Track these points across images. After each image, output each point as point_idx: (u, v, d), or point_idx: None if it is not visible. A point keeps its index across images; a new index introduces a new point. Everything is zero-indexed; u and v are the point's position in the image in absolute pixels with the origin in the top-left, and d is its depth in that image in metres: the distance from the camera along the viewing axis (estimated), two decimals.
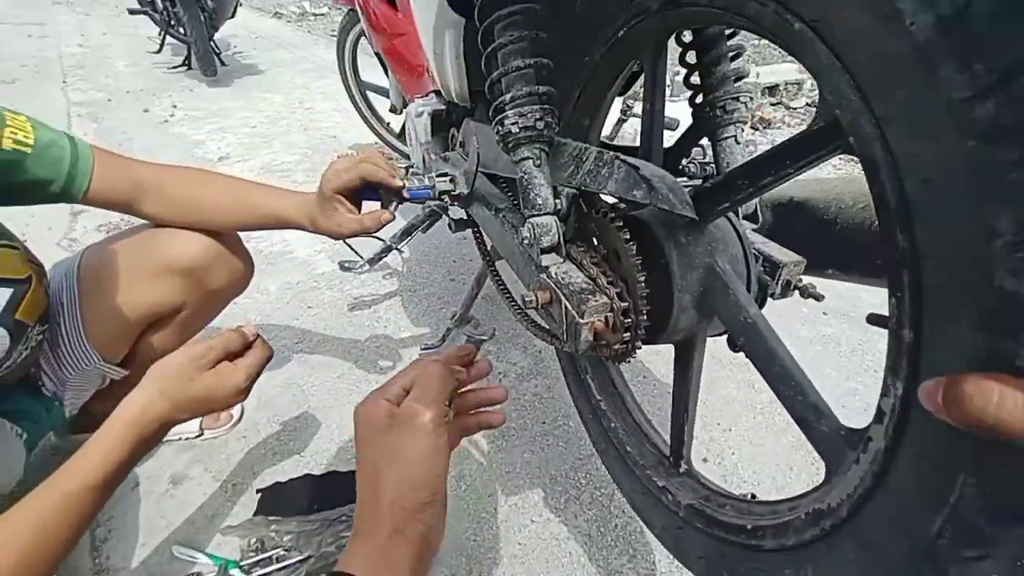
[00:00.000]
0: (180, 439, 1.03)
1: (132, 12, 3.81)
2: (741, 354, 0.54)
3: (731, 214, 0.58)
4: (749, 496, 0.58)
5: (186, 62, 3.62)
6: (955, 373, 0.27)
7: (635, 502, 0.71)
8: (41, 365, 0.78)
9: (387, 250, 1.32)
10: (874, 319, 0.37)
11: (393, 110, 1.81)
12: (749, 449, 1.09)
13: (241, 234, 0.90)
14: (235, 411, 1.08)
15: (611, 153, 0.53)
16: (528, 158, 0.57)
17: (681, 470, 0.65)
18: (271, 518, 0.88)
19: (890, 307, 0.34)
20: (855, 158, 0.36)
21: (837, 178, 0.65)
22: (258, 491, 0.94)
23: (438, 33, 0.71)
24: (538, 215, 0.57)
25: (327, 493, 0.94)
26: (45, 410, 0.80)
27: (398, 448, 0.44)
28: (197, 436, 1.04)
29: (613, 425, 0.76)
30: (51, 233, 1.68)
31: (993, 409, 0.24)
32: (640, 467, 0.70)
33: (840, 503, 0.40)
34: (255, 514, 0.90)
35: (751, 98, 0.66)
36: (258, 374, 0.66)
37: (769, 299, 0.61)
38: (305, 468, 1.00)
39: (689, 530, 0.60)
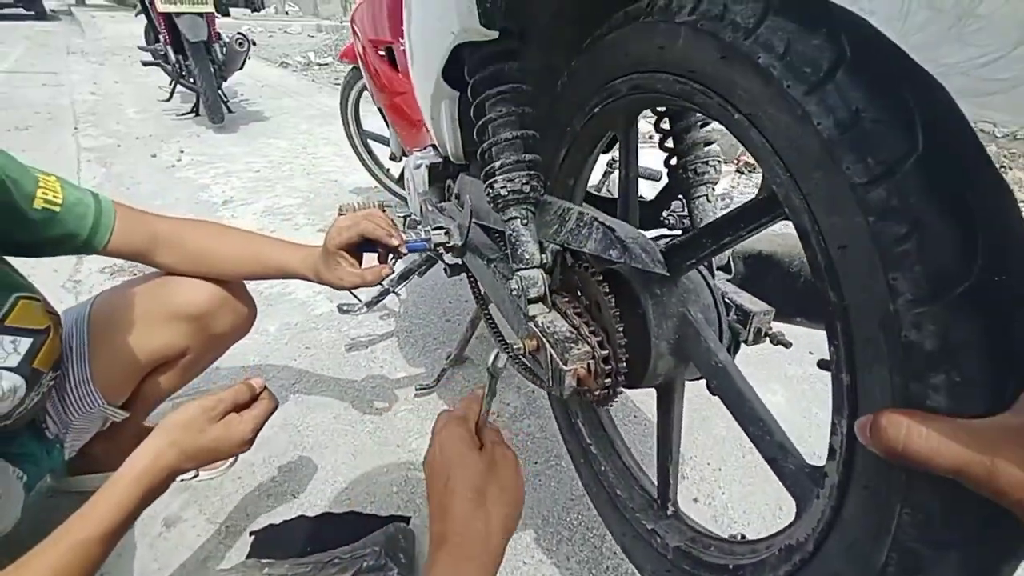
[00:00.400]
0: (176, 480, 1.04)
1: (145, 64, 3.99)
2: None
3: (702, 267, 0.64)
4: (739, 536, 0.60)
5: (194, 109, 3.77)
6: (880, 410, 0.31)
7: (625, 545, 0.73)
8: (47, 408, 0.81)
9: (384, 293, 1.37)
10: (822, 364, 0.41)
11: (393, 157, 1.90)
12: (739, 488, 1.11)
13: None
14: None
15: (591, 214, 0.58)
16: (516, 217, 0.62)
17: (668, 512, 0.68)
18: (264, 560, 0.89)
19: (830, 354, 0.39)
20: None
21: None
22: (251, 533, 0.95)
23: (435, 102, 0.78)
24: (525, 268, 0.62)
25: (321, 535, 0.94)
26: (46, 452, 0.82)
27: (503, 478, 0.50)
28: (193, 478, 1.05)
29: (603, 468, 0.79)
30: (56, 275, 1.73)
31: (903, 440, 0.28)
32: (630, 510, 0.72)
33: (807, 537, 0.43)
34: (248, 556, 0.90)
35: (720, 160, 0.73)
36: (263, 424, 0.70)
37: (745, 344, 0.66)
38: (300, 510, 1.00)
39: (677, 572, 0.62)
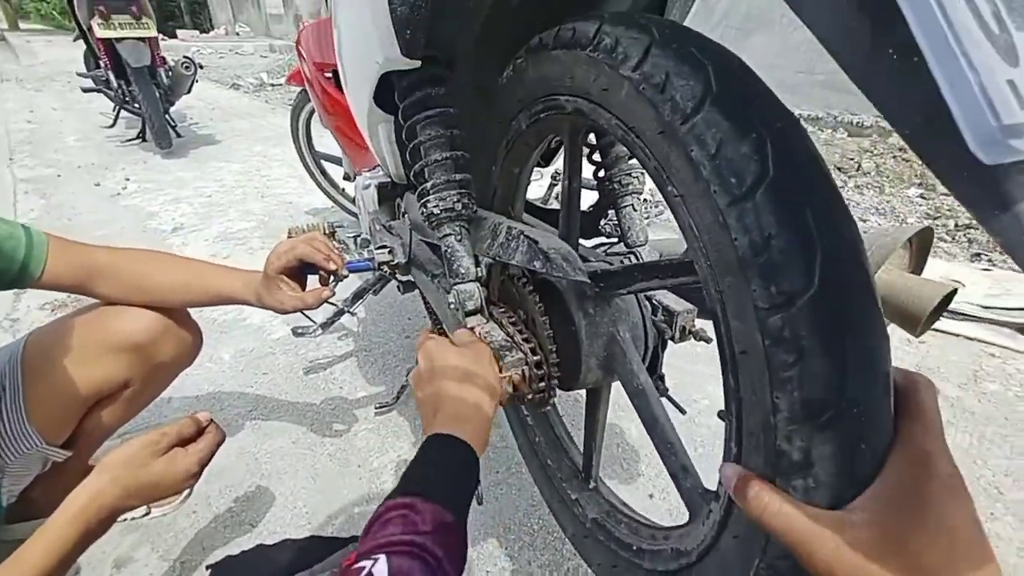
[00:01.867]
0: (126, 520, 1.01)
1: (86, 91, 3.85)
2: (682, 390, 0.60)
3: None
4: (653, 524, 0.64)
5: (140, 135, 3.66)
6: (752, 476, 0.36)
7: (553, 508, 0.78)
8: None
9: (339, 313, 1.37)
10: (721, 415, 0.45)
11: (347, 177, 1.90)
12: None
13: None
14: None
15: (518, 228, 0.62)
16: (450, 234, 0.65)
17: (591, 486, 0.72)
18: None
19: (727, 422, 0.42)
20: None
21: None
22: (207, 567, 0.93)
23: (372, 125, 0.81)
24: (461, 283, 0.65)
25: (279, 562, 0.93)
26: None
27: (477, 355, 0.58)
28: (144, 515, 1.02)
29: (537, 439, 0.82)
30: None
31: (763, 507, 0.33)
32: (558, 479, 0.76)
33: (692, 549, 0.48)
34: None
35: (642, 172, 0.78)
36: (210, 458, 0.70)
37: (672, 341, 0.70)
38: (258, 539, 0.99)
39: (592, 540, 0.66)
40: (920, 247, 0.53)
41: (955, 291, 0.47)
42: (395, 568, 0.37)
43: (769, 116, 0.34)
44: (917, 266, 0.53)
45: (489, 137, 0.74)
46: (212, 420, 0.72)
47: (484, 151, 0.76)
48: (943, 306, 0.46)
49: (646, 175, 0.80)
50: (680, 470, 0.52)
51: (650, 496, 1.12)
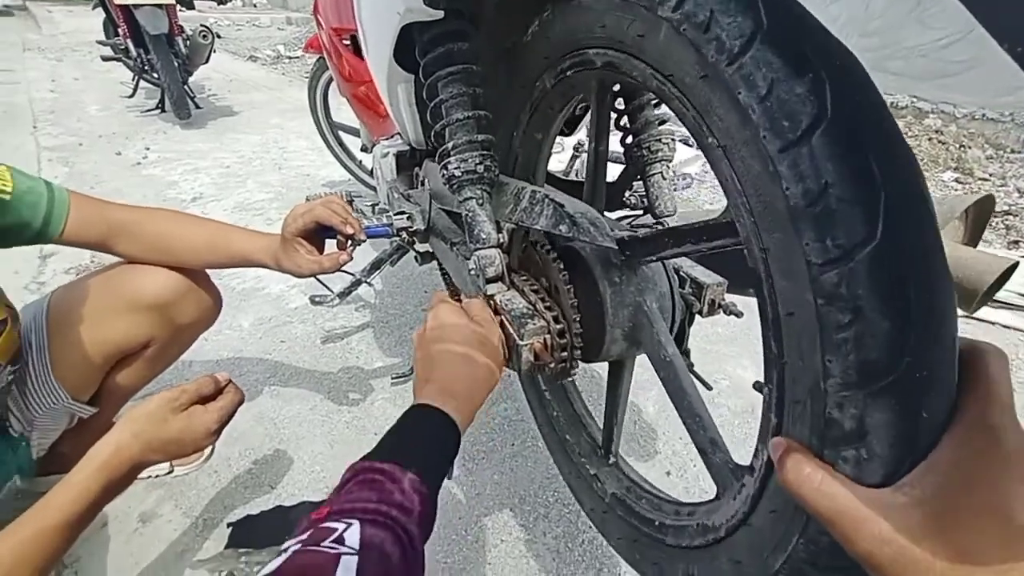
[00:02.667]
0: (150, 477, 1.04)
1: (105, 59, 3.85)
2: (703, 369, 0.59)
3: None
4: (676, 499, 0.63)
5: (159, 105, 3.67)
6: (796, 446, 0.34)
7: (571, 484, 0.77)
8: (8, 405, 0.80)
9: (357, 283, 1.36)
10: (758, 386, 0.42)
11: (364, 149, 1.88)
12: None
13: (211, 271, 0.94)
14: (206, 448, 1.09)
15: (543, 191, 0.59)
16: (471, 198, 0.63)
17: (610, 462, 0.71)
18: (241, 550, 0.89)
19: (765, 393, 0.39)
20: None
21: None
22: (229, 525, 0.95)
23: (392, 87, 0.78)
24: (482, 248, 0.63)
25: (298, 523, 0.95)
26: (12, 451, 0.81)
27: (486, 339, 0.56)
28: (168, 473, 1.05)
29: (556, 414, 0.81)
30: (18, 277, 1.68)
31: (800, 479, 0.31)
32: (576, 454, 0.75)
33: (721, 524, 0.46)
34: (226, 547, 0.91)
35: (673, 139, 0.75)
36: (229, 417, 0.70)
37: (700, 315, 0.68)
38: (277, 500, 1.01)
39: (612, 515, 0.65)
40: (977, 218, 0.50)
41: (1016, 265, 0.43)
42: (367, 537, 0.36)
43: (826, 53, 0.31)
44: (972, 238, 0.50)
45: (511, 100, 0.71)
46: (231, 381, 0.73)
47: (506, 116, 0.73)
48: (1001, 282, 0.43)
49: (676, 141, 0.77)
50: (709, 444, 0.50)
51: (667, 474, 1.11)
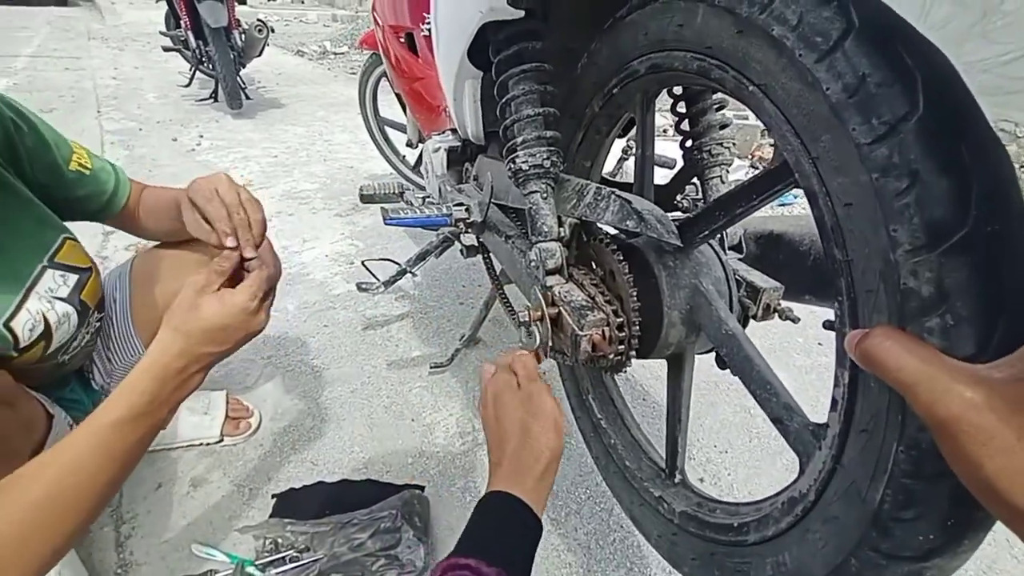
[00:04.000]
0: (201, 444, 1.09)
1: (166, 50, 4.04)
2: (738, 380, 0.60)
3: (714, 243, 0.66)
4: (753, 499, 0.63)
5: (213, 95, 3.82)
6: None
7: (633, 513, 0.76)
8: (93, 357, 0.86)
9: (402, 273, 1.40)
10: (828, 325, 0.43)
11: (409, 144, 1.93)
12: (744, 471, 1.14)
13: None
14: (253, 421, 1.14)
15: (608, 188, 0.61)
16: (536, 191, 0.65)
17: (676, 480, 0.70)
18: (286, 520, 0.93)
19: (835, 310, 0.41)
20: None
21: (810, 215, 0.73)
22: (273, 496, 0.99)
23: (459, 82, 0.81)
24: (544, 241, 0.65)
25: (339, 499, 0.99)
26: (92, 403, 0.87)
27: (539, 408, 0.58)
28: (217, 442, 1.10)
29: (613, 442, 0.82)
30: None
31: (878, 344, 0.31)
32: (638, 480, 0.75)
33: (809, 488, 0.46)
34: (270, 516, 0.95)
35: (734, 143, 0.75)
36: (265, 293, 0.66)
37: (754, 319, 0.68)
38: (318, 476, 1.05)
39: (683, 535, 0.65)
40: None
41: None
42: None
43: None
44: None
45: (576, 99, 0.73)
46: (255, 256, 0.67)
47: (570, 114, 0.75)
48: None
49: (735, 146, 0.77)
50: (783, 411, 0.50)
51: (700, 480, 1.11)
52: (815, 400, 1.32)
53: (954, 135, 0.31)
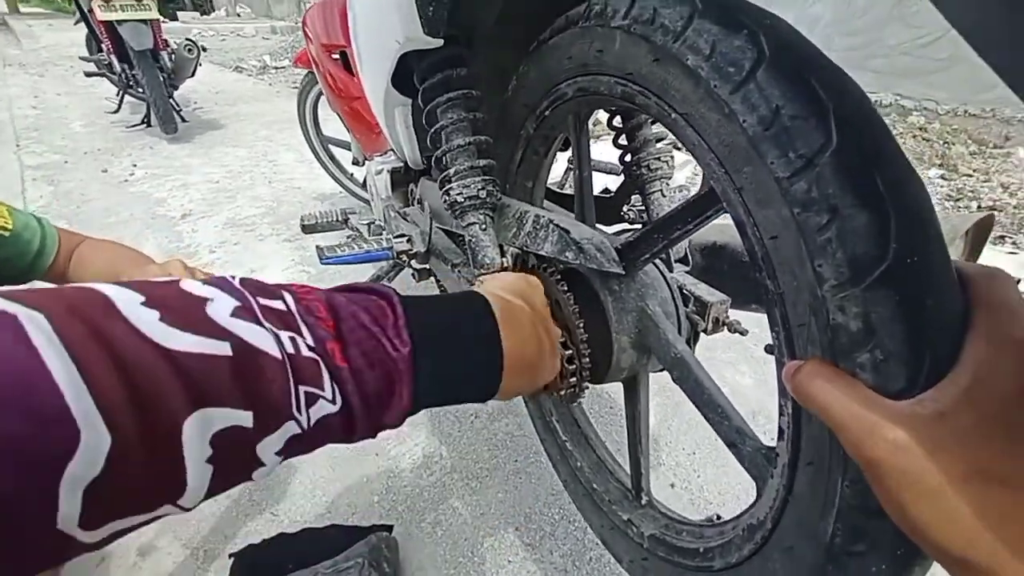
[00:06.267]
0: None
1: (89, 75, 3.81)
2: None
3: (659, 261, 0.66)
4: (714, 517, 0.62)
5: (145, 120, 3.63)
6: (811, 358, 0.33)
7: (603, 536, 0.75)
8: None
9: None
10: (768, 348, 0.43)
11: (356, 162, 1.88)
12: (713, 471, 1.15)
13: None
14: None
15: (547, 217, 0.59)
16: (474, 223, 0.63)
17: (643, 502, 0.70)
18: None
19: (772, 339, 0.40)
20: None
21: None
22: (231, 555, 0.93)
23: (388, 109, 0.78)
24: (486, 273, 0.63)
25: (302, 551, 0.93)
26: None
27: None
28: None
29: (579, 464, 0.80)
30: None
31: (808, 384, 0.31)
32: (606, 503, 0.74)
33: (766, 515, 0.45)
34: None
35: (672, 156, 0.75)
36: None
37: (704, 333, 0.68)
38: (279, 527, 0.99)
39: (653, 559, 0.64)
40: (976, 237, 0.50)
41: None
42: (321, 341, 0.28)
43: (756, 14, 0.36)
44: (971, 255, 0.51)
45: (510, 121, 0.71)
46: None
47: (503, 135, 0.73)
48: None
49: (674, 159, 0.77)
50: (736, 435, 0.49)
51: (671, 486, 1.11)
52: (774, 390, 1.35)
53: (869, 166, 0.31)
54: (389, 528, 0.97)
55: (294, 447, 0.28)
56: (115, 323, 0.21)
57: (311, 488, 1.08)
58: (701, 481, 1.12)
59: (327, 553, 0.91)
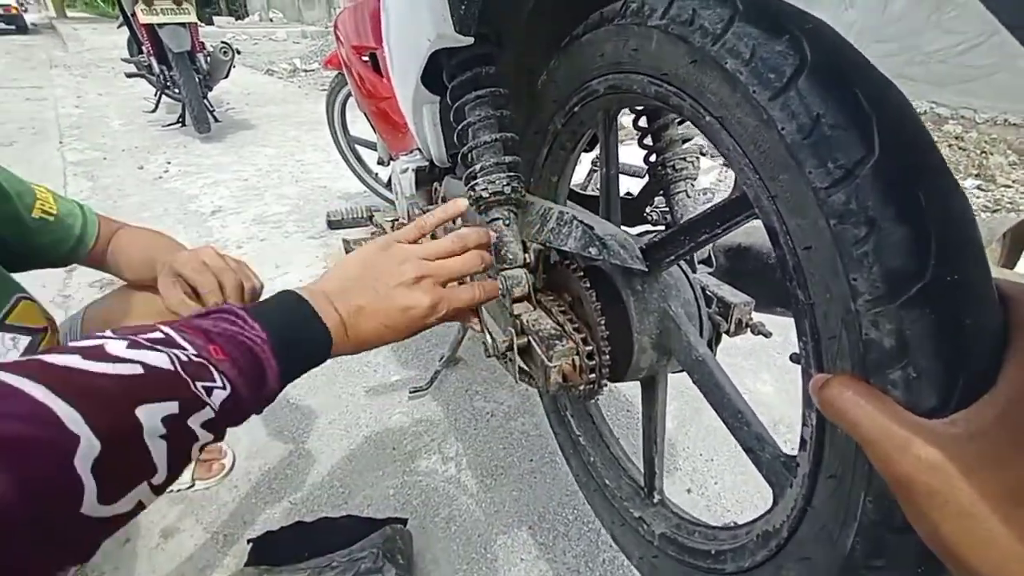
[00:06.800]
0: (171, 491, 1.05)
1: (129, 76, 3.96)
2: None
3: (683, 262, 0.65)
4: (731, 524, 0.62)
5: (180, 120, 3.76)
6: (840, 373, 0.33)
7: (614, 533, 0.75)
8: None
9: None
10: (794, 358, 0.42)
11: (381, 162, 1.91)
12: (731, 478, 1.13)
13: None
14: (226, 462, 1.10)
15: (571, 213, 0.59)
16: (498, 219, 0.63)
17: (655, 500, 0.69)
18: (261, 567, 0.89)
19: (800, 349, 0.40)
20: None
21: None
22: (249, 541, 0.95)
23: (416, 107, 0.79)
24: (509, 268, 0.63)
25: (318, 540, 0.95)
26: None
27: (391, 257, 0.51)
28: (188, 487, 1.06)
29: (592, 459, 0.80)
30: (45, 291, 1.72)
31: (838, 396, 0.30)
32: (618, 499, 0.73)
33: (782, 524, 0.45)
34: (246, 564, 0.91)
35: (697, 157, 0.75)
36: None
37: (727, 335, 0.67)
38: (297, 515, 1.01)
39: (663, 558, 0.63)
40: (1015, 240, 0.49)
41: None
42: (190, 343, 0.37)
43: (799, 18, 0.36)
44: (1009, 261, 0.49)
45: (538, 116, 0.72)
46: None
47: (530, 133, 0.74)
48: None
49: (700, 159, 0.77)
50: (755, 441, 0.49)
51: (688, 491, 1.09)
52: (795, 398, 1.32)
53: (911, 179, 0.30)
54: (404, 521, 0.98)
55: (217, 426, 0.37)
56: (67, 369, 0.31)
57: (328, 479, 1.10)
58: (718, 488, 1.10)
59: (343, 543, 0.92)
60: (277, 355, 0.41)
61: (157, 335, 0.37)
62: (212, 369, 0.37)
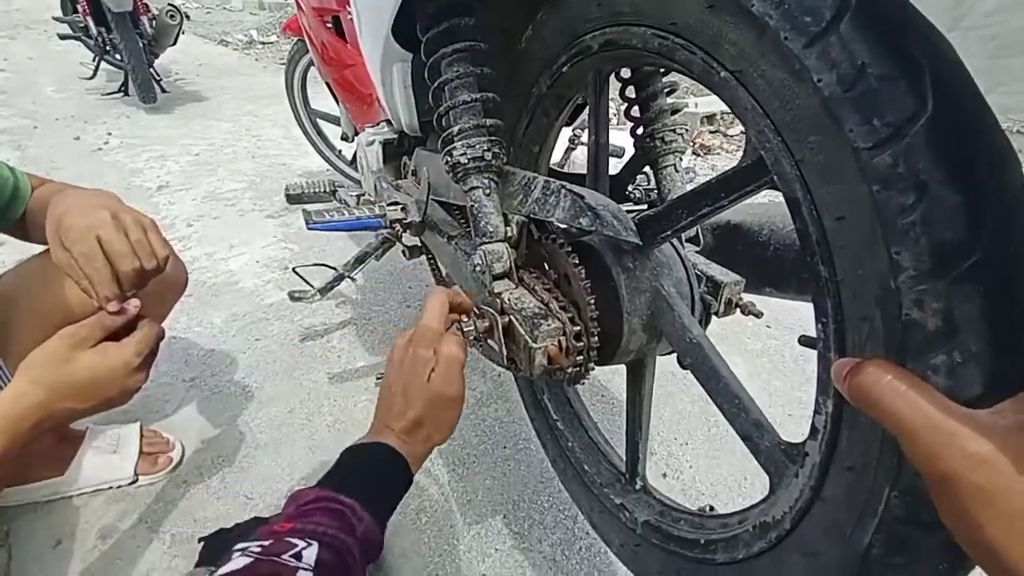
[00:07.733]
0: (111, 487, 0.95)
1: (63, 37, 3.62)
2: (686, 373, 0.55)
3: (673, 240, 0.62)
4: (707, 508, 0.59)
5: (123, 88, 3.46)
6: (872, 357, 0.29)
7: (593, 520, 0.72)
8: None
9: (339, 278, 1.29)
10: (805, 341, 0.39)
11: (344, 138, 1.80)
12: (706, 461, 1.12)
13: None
14: (174, 454, 1.01)
15: (558, 182, 0.55)
16: (477, 187, 0.58)
17: (637, 487, 0.66)
18: (213, 568, 0.82)
19: (817, 332, 0.36)
20: None
21: (769, 203, 0.70)
22: (200, 540, 0.88)
23: (386, 67, 0.72)
24: (489, 242, 0.58)
25: None
26: None
27: (417, 360, 0.54)
28: (131, 483, 0.96)
29: (570, 444, 0.77)
30: None
31: (876, 385, 0.27)
32: (597, 486, 0.70)
33: (784, 515, 0.42)
34: (196, 566, 0.83)
35: (687, 129, 0.71)
36: (151, 353, 0.61)
37: (716, 316, 0.64)
38: (254, 512, 0.94)
39: (646, 546, 0.61)
40: None
41: None
42: (322, 559, 0.40)
43: None
44: None
45: (519, 79, 0.66)
46: (142, 315, 0.62)
47: (512, 95, 0.68)
48: None
49: (688, 132, 0.73)
50: (753, 427, 0.46)
51: (663, 475, 1.08)
52: (767, 383, 1.33)
53: (967, 140, 0.26)
54: None
55: None
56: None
57: (289, 471, 1.03)
58: (693, 471, 1.10)
59: None
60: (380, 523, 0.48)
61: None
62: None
